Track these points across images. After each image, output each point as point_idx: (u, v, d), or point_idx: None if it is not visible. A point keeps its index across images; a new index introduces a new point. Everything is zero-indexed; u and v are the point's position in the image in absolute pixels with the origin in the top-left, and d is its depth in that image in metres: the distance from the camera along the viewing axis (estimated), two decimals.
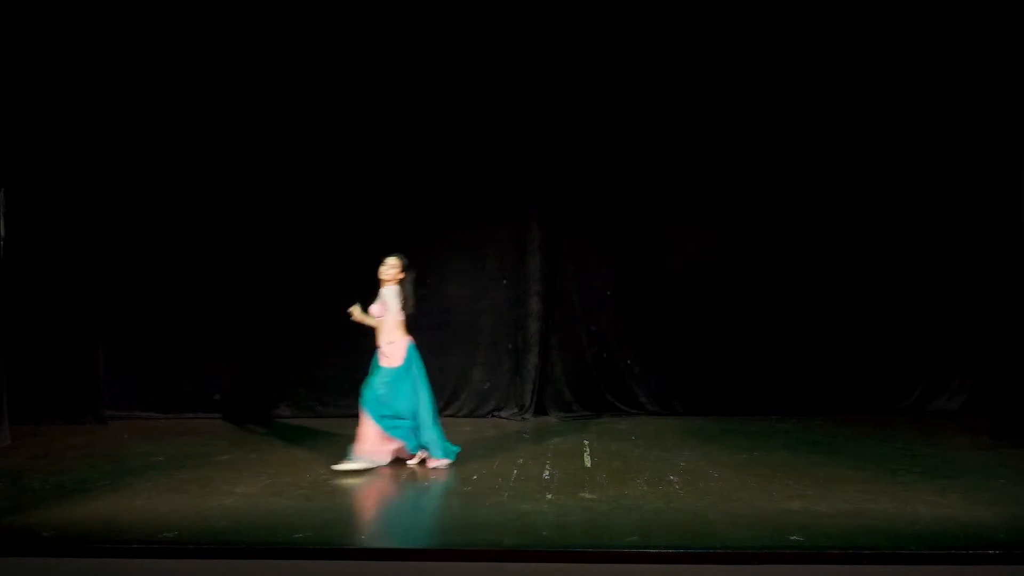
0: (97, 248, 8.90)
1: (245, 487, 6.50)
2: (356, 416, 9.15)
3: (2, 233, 8.22)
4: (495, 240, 9.26)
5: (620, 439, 8.11)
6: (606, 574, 4.94)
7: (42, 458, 7.47)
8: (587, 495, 6.21)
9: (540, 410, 9.22)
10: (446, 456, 7.09)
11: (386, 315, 7.07)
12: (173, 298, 9.01)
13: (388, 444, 7.05)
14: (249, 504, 6.16)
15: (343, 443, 7.95)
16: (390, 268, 7.09)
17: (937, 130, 8.90)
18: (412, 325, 9.29)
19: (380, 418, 6.98)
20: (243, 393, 9.11)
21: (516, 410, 9.16)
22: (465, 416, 9.17)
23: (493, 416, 9.17)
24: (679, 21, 8.73)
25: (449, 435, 8.30)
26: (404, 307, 7.12)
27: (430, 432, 7.07)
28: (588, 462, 7.24)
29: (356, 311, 7.10)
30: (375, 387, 7.03)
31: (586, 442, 8.00)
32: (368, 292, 9.21)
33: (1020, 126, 7.98)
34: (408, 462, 7.10)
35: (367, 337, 9.26)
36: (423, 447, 7.10)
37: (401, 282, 7.13)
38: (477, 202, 9.11)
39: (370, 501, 6.43)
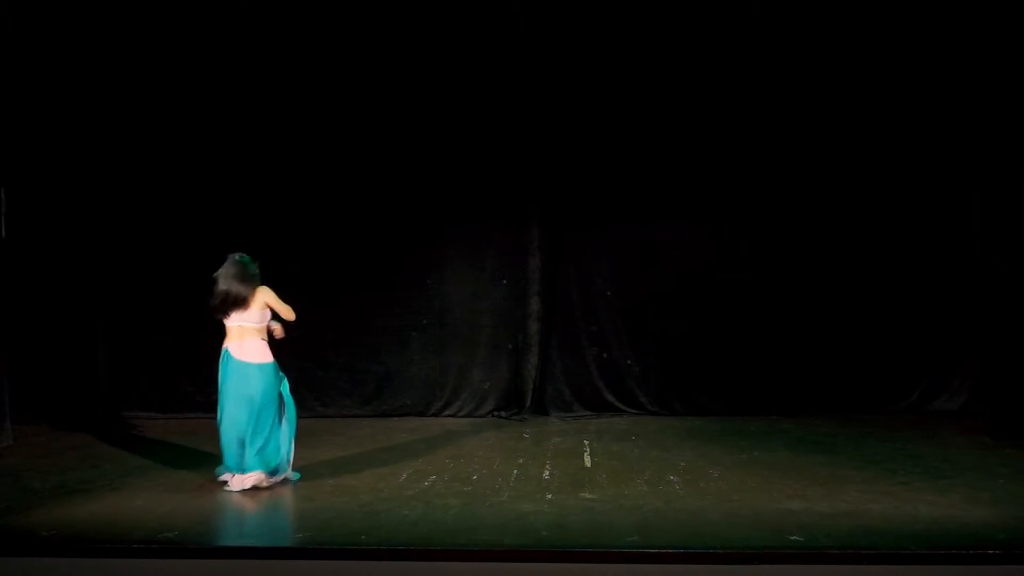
0: (97, 248, 8.91)
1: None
2: (357, 416, 9.24)
3: (2, 233, 8.23)
4: (495, 240, 9.26)
5: (620, 439, 8.10)
6: (606, 574, 4.94)
7: (42, 458, 7.48)
8: (587, 495, 6.20)
9: (540, 410, 9.22)
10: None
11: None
12: (173, 298, 9.00)
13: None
14: (249, 504, 6.16)
15: (343, 443, 7.99)
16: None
17: (937, 130, 8.90)
18: (415, 325, 9.37)
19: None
20: None
21: (516, 410, 9.16)
22: (465, 416, 9.17)
23: (493, 416, 9.17)
24: (680, 19, 8.73)
25: (449, 435, 8.34)
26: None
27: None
28: (588, 462, 7.24)
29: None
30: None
31: (586, 442, 7.99)
32: (367, 292, 9.28)
33: (1020, 126, 7.99)
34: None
35: (368, 337, 9.34)
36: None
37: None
38: (477, 202, 9.11)
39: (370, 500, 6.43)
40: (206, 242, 9.00)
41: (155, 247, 9.06)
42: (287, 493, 6.37)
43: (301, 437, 8.12)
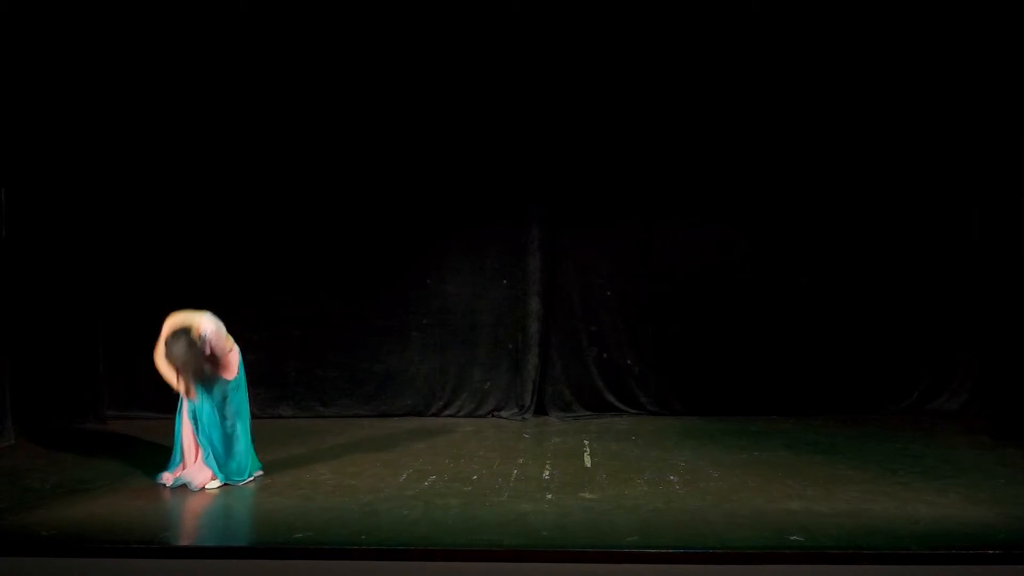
0: (97, 248, 8.90)
1: (245, 487, 6.51)
2: (357, 416, 9.24)
3: (2, 234, 8.23)
4: (495, 240, 9.25)
5: (620, 439, 8.10)
6: (606, 574, 4.94)
7: (42, 458, 7.48)
8: (587, 495, 6.21)
9: (540, 410, 9.22)
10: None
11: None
12: (173, 298, 8.95)
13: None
14: (249, 504, 6.17)
15: (343, 443, 7.99)
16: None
17: (937, 129, 8.89)
18: (415, 325, 9.35)
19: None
20: None
21: (516, 410, 9.16)
22: (465, 416, 9.16)
23: (493, 416, 9.16)
24: (680, 18, 8.72)
25: (449, 435, 8.33)
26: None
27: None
28: (588, 462, 7.24)
29: None
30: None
31: (586, 442, 8.00)
32: (367, 292, 9.28)
33: (1020, 126, 7.99)
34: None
35: (368, 337, 9.33)
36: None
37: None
38: (477, 202, 9.10)
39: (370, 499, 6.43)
40: (206, 241, 9.06)
41: (155, 247, 9.05)
42: (286, 493, 6.37)
43: (301, 437, 8.17)
